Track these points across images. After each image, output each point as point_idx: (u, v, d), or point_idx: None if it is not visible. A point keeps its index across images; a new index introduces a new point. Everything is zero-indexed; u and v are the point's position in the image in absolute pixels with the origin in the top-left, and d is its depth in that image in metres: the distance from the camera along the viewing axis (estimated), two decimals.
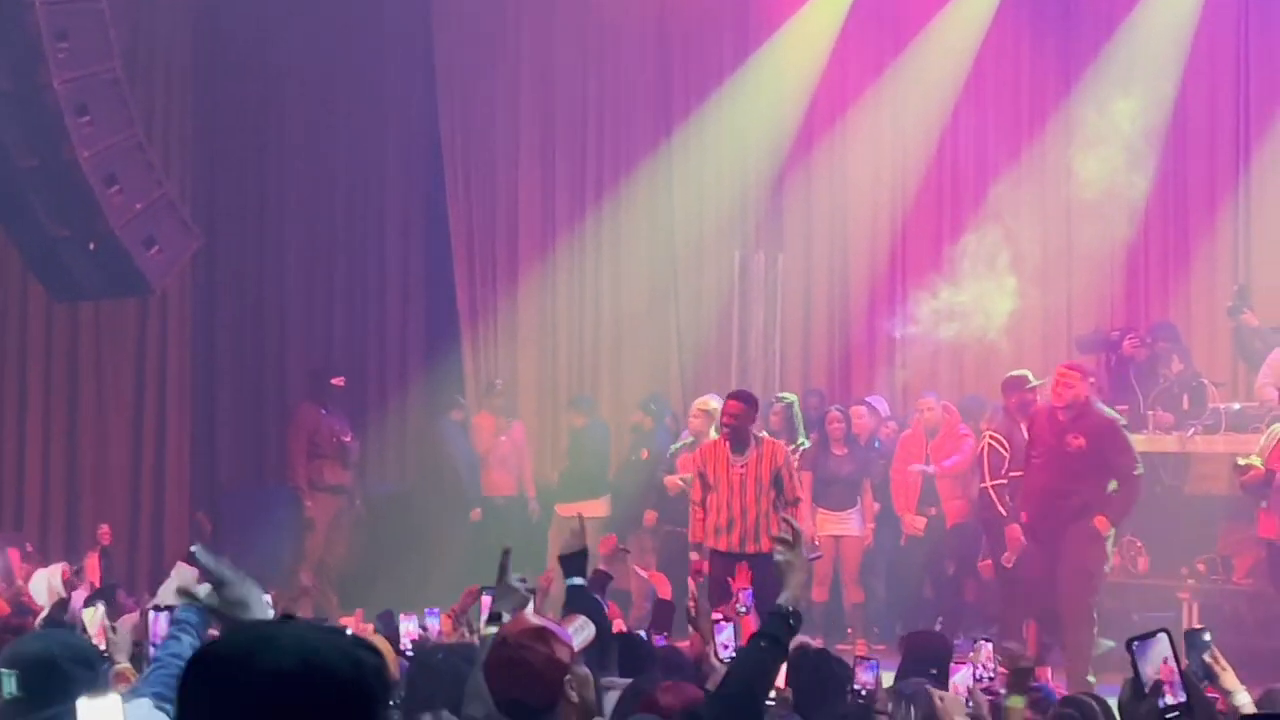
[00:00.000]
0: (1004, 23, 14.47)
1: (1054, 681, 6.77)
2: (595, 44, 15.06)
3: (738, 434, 9.69)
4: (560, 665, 3.87)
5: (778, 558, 4.17)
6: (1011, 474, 10.66)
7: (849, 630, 12.14)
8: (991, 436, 10.94)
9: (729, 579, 9.45)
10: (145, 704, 4.04)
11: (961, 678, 5.56)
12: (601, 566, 7.82)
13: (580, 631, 4.74)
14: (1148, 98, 13.84)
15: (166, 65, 13.93)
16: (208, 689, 1.80)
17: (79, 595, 7.91)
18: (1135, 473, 9.96)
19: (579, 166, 15.13)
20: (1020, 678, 5.13)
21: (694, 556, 9.92)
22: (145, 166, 11.52)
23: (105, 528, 12.08)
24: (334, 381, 13.19)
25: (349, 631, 1.90)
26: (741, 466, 9.70)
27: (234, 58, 14.21)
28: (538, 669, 3.84)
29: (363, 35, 14.67)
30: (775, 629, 4.01)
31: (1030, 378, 11.41)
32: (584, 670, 4.05)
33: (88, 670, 4.06)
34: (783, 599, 4.05)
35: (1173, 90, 13.84)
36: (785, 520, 4.37)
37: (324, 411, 13.04)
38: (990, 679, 6.18)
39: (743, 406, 9.77)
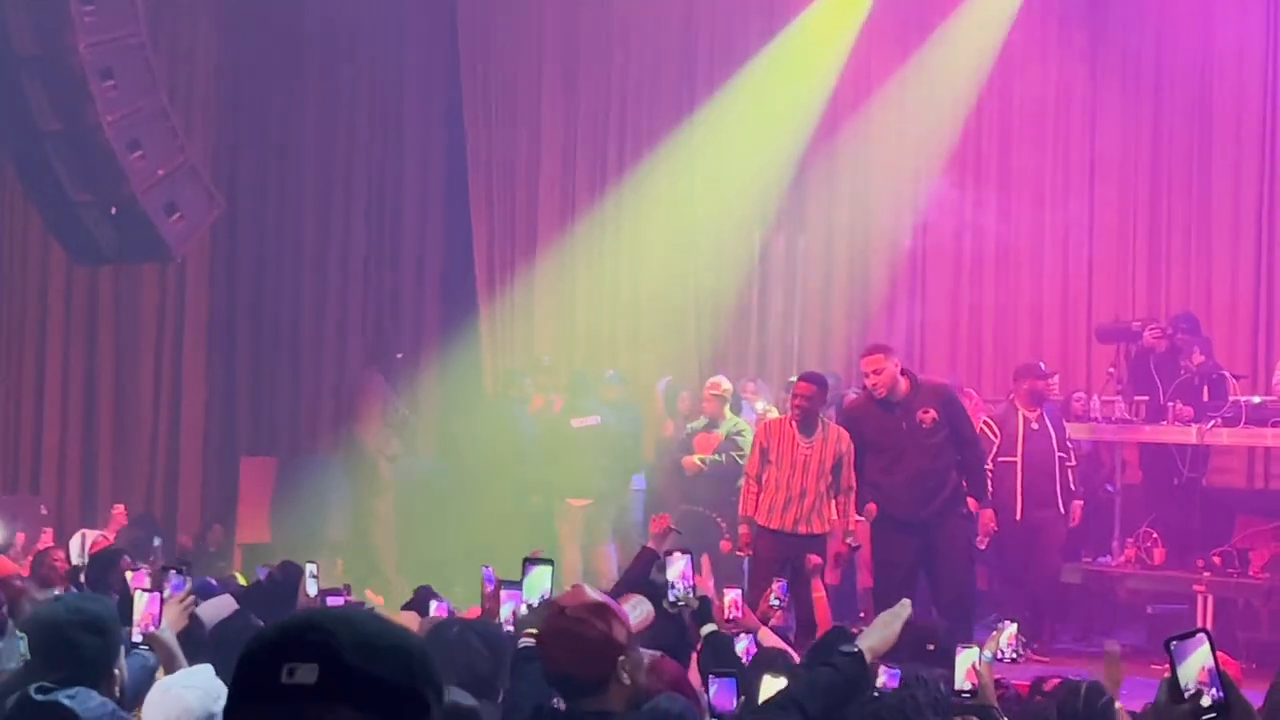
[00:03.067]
0: (1032, 9, 14.39)
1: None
2: (620, 20, 15.01)
3: (808, 415, 9.64)
4: (616, 644, 3.75)
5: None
6: (999, 459, 10.80)
7: (861, 614, 12.12)
8: (985, 421, 11.07)
9: (776, 559, 9.47)
10: (208, 669, 4.07)
11: (965, 658, 5.54)
12: (651, 545, 7.85)
13: (636, 609, 4.63)
14: (1173, 87, 13.79)
15: (190, 31, 13.93)
16: (250, 687, 1.73)
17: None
18: (975, 437, 9.78)
19: (600, 144, 15.09)
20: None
21: (743, 530, 9.86)
22: (169, 132, 11.53)
23: (120, 508, 11.98)
24: (399, 355, 13.37)
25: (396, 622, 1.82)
26: (807, 447, 9.65)
27: (257, 25, 14.19)
28: (593, 645, 3.72)
29: (387, 4, 14.65)
30: (843, 661, 3.96)
31: (1042, 366, 11.47)
32: (639, 654, 3.95)
33: (96, 637, 4.06)
34: (863, 644, 4.03)
35: (1199, 80, 13.76)
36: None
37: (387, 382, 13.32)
38: (1014, 659, 6.19)
39: (814, 388, 9.71)
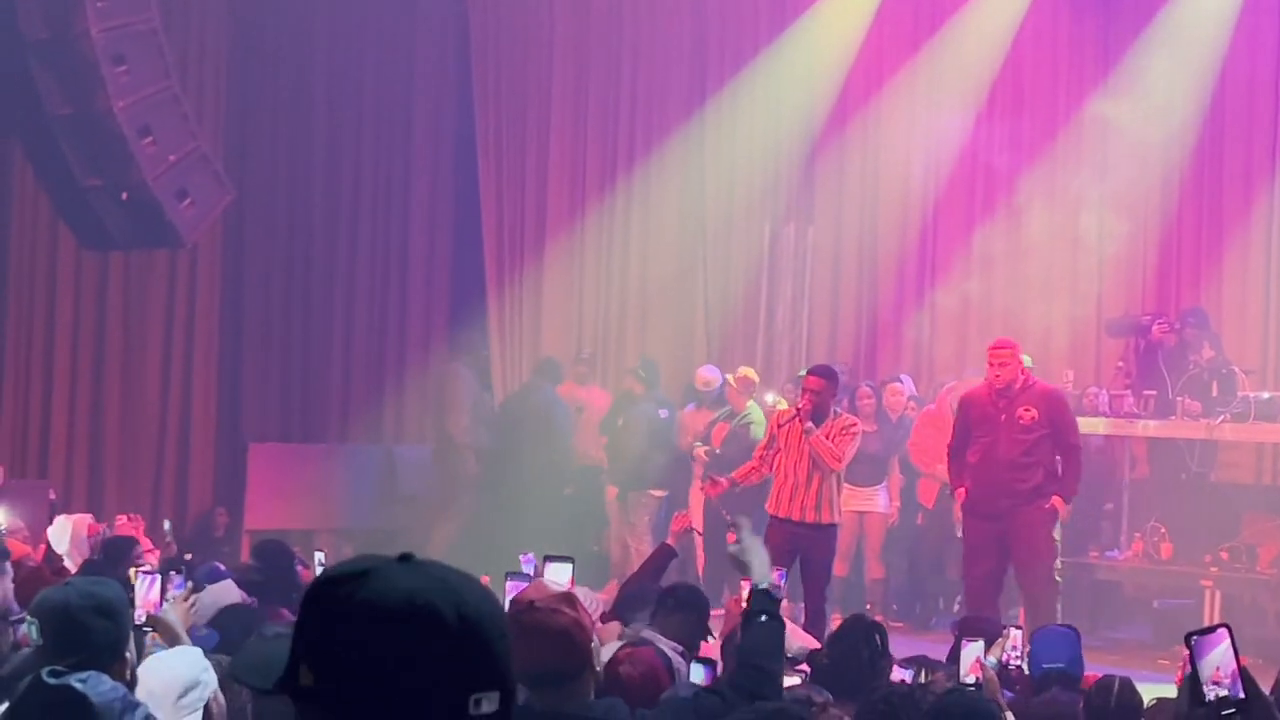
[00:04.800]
0: (1043, 2, 14.37)
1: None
2: (631, 12, 14.99)
3: (818, 409, 9.69)
4: (588, 632, 3.81)
5: (731, 550, 4.40)
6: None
7: (868, 606, 12.14)
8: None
9: (785, 549, 9.54)
10: (198, 650, 4.10)
11: (971, 652, 5.57)
12: (670, 543, 7.90)
13: (586, 600, 4.73)
14: (1185, 82, 13.75)
15: (202, 17, 13.91)
16: (318, 609, 1.81)
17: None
18: (1078, 444, 9.97)
19: (611, 134, 15.07)
20: None
21: (723, 483, 10.01)
22: (180, 118, 11.54)
23: (123, 519, 11.85)
24: (485, 352, 13.87)
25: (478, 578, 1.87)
26: (816, 438, 9.74)
27: (268, 11, 14.18)
28: (572, 634, 3.75)
29: None
30: (765, 605, 4.06)
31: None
32: (598, 641, 4.00)
33: (108, 621, 4.06)
34: (756, 579, 4.20)
35: (1210, 76, 13.73)
36: (735, 523, 4.58)
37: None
38: (1017, 665, 6.20)
39: (824, 382, 9.80)
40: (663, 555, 7.82)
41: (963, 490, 9.94)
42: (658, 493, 12.68)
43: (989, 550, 9.78)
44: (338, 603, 1.79)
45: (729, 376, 12.58)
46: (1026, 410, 9.67)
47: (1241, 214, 13.78)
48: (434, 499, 13.62)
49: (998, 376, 9.72)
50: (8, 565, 6.28)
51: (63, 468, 13.27)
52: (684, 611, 6.22)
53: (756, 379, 12.51)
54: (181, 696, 3.92)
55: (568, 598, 3.85)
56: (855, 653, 5.58)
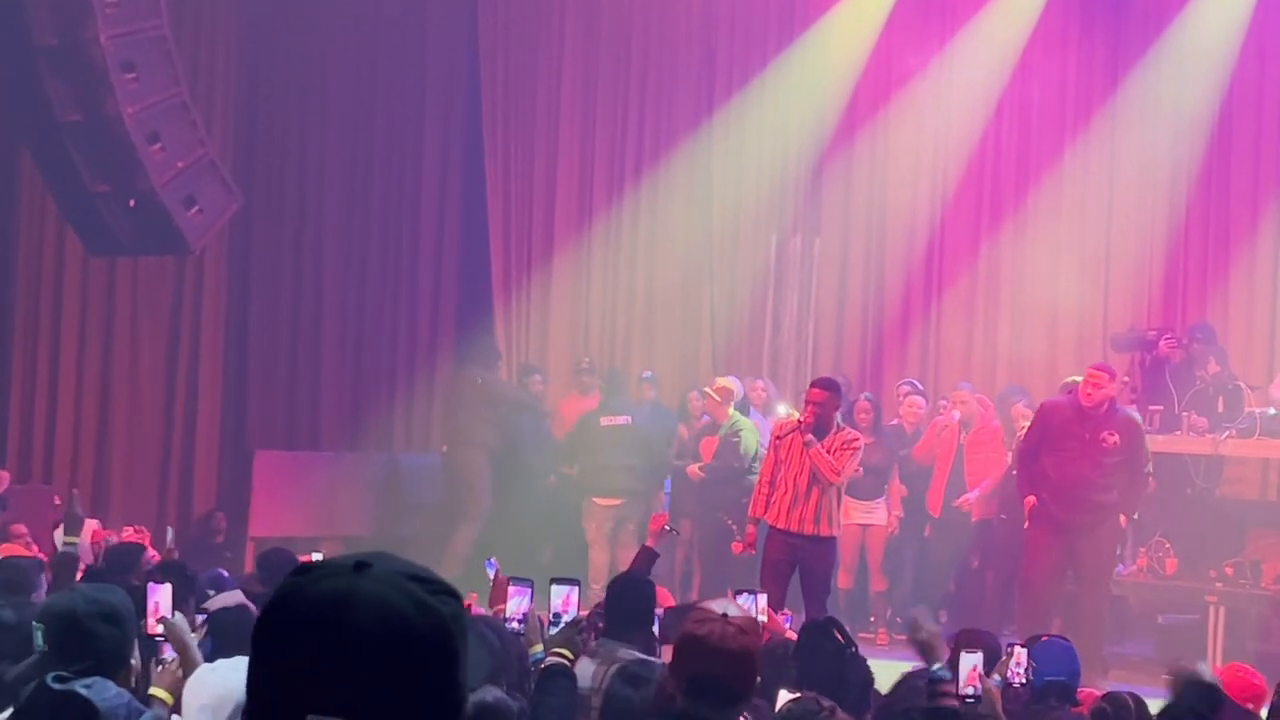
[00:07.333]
0: (1052, 16, 14.38)
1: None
2: (640, 22, 15.01)
3: (821, 420, 9.70)
4: (760, 666, 3.81)
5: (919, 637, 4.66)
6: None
7: (871, 619, 12.14)
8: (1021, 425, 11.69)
9: (785, 560, 9.57)
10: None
11: (969, 662, 5.56)
12: (649, 544, 7.84)
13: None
14: (1193, 97, 13.76)
15: (212, 25, 13.93)
16: (284, 644, 1.74)
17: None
18: (1149, 471, 10.53)
19: (619, 145, 15.08)
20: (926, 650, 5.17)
21: (750, 528, 10.10)
22: (189, 125, 11.52)
23: (129, 531, 11.84)
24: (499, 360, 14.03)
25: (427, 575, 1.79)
26: (815, 450, 9.75)
27: (278, 20, 14.20)
28: (753, 659, 3.72)
29: (408, 6, 14.66)
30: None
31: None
32: None
33: (114, 628, 4.07)
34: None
35: (1219, 90, 13.74)
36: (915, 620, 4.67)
37: None
38: (1022, 684, 6.18)
39: (828, 394, 9.80)
40: (645, 558, 7.68)
41: (1033, 499, 10.34)
42: (603, 501, 12.61)
43: (1054, 560, 10.25)
44: (314, 637, 1.75)
45: (706, 389, 12.55)
46: (1110, 435, 10.14)
47: (1248, 229, 13.78)
48: (444, 504, 13.61)
49: (1089, 395, 10.16)
50: (43, 578, 6.31)
51: (68, 474, 13.26)
52: (625, 619, 5.96)
53: (735, 389, 12.49)
54: (235, 715, 3.89)
55: (755, 624, 3.83)
56: (819, 648, 5.65)
